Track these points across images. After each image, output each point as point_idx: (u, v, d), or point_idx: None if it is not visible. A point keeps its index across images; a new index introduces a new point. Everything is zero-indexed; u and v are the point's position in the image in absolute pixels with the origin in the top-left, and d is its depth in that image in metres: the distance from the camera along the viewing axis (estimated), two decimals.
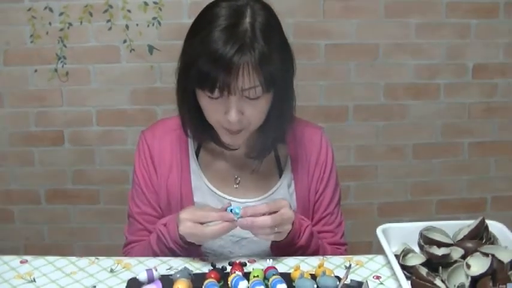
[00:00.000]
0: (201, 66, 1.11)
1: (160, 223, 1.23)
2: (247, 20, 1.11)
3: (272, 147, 1.30)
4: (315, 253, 1.26)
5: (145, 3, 2.18)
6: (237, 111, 1.14)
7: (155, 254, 1.23)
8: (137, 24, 2.20)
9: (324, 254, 1.28)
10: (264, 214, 1.15)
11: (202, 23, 1.15)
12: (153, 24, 2.20)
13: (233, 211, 1.15)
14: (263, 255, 1.25)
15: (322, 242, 1.31)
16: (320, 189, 1.35)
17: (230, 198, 1.30)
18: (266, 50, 1.11)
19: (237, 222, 1.15)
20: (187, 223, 1.15)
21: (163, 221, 1.23)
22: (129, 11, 2.18)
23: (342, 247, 1.37)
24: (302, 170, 1.33)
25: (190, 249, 1.20)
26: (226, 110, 1.15)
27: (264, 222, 1.14)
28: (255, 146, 1.28)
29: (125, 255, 1.33)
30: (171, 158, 1.31)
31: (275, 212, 1.15)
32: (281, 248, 1.23)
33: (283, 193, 1.31)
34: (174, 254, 1.21)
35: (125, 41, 2.21)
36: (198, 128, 1.25)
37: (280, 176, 1.33)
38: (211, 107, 1.17)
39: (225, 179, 1.32)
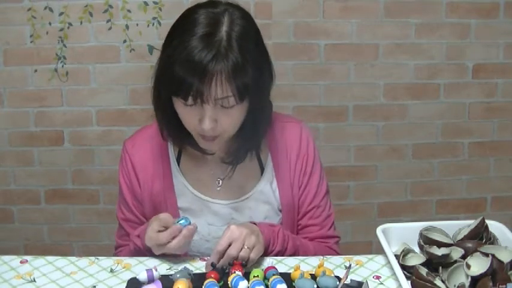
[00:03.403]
0: (176, 73, 1.11)
1: (134, 235, 1.26)
2: (224, 28, 1.11)
3: (246, 154, 1.30)
4: (294, 254, 1.26)
5: (145, 3, 2.18)
6: (210, 120, 1.14)
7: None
8: (137, 24, 2.20)
9: (306, 253, 1.28)
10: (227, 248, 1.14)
11: (179, 30, 1.15)
12: (153, 24, 2.20)
13: (181, 223, 1.16)
14: None
15: (302, 242, 1.30)
16: (303, 183, 1.34)
17: (213, 200, 1.31)
18: (240, 61, 1.10)
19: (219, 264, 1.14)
20: (154, 248, 1.17)
21: (136, 233, 1.26)
22: (129, 11, 2.18)
23: (331, 240, 1.36)
24: (283, 166, 1.33)
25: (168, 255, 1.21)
26: (201, 118, 1.15)
27: (232, 254, 1.12)
28: (231, 151, 1.28)
29: None
30: (153, 165, 1.31)
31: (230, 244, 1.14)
32: (260, 259, 1.22)
33: (266, 191, 1.32)
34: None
35: (124, 41, 2.21)
36: (175, 133, 1.26)
37: (261, 174, 1.33)
38: (186, 114, 1.17)
39: (207, 182, 1.32)
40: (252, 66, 1.12)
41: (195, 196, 1.31)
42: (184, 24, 1.15)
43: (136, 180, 1.32)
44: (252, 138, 1.26)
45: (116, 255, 1.37)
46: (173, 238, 1.15)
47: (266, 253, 1.22)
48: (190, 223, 1.17)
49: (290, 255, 1.25)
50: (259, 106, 1.20)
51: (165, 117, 1.23)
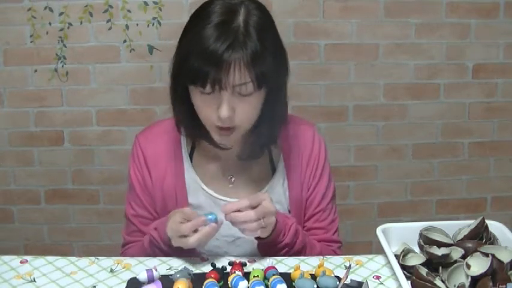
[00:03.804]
0: (193, 61, 1.11)
1: (152, 227, 1.24)
2: (241, 18, 1.12)
3: (263, 149, 1.30)
4: (301, 251, 1.26)
5: (145, 3, 2.18)
6: (228, 107, 1.14)
7: (149, 256, 1.24)
8: (137, 24, 2.20)
9: (312, 251, 1.28)
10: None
11: (196, 20, 1.16)
12: (153, 24, 2.20)
13: (209, 218, 1.15)
14: (258, 255, 1.26)
15: (310, 240, 1.31)
16: (312, 186, 1.35)
17: (225, 198, 1.30)
18: (259, 48, 1.11)
19: (225, 217, 1.15)
20: (174, 238, 1.16)
21: (153, 225, 1.25)
22: (129, 11, 2.18)
23: (335, 244, 1.37)
24: (295, 167, 1.33)
25: (183, 251, 1.20)
26: (218, 106, 1.15)
27: (247, 216, 1.14)
28: (247, 147, 1.28)
29: (122, 256, 1.33)
30: (165, 160, 1.31)
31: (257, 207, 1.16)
32: (266, 247, 1.23)
33: (277, 191, 1.32)
34: (168, 255, 1.22)
35: (124, 41, 2.21)
36: (191, 126, 1.26)
37: (273, 174, 1.33)
38: (204, 103, 1.17)
39: (220, 180, 1.32)
40: (270, 54, 1.13)
41: (206, 193, 1.30)
42: (199, 16, 1.16)
43: (148, 174, 1.31)
44: (268, 134, 1.26)
45: (123, 252, 1.35)
46: (195, 230, 1.14)
47: (275, 243, 1.22)
48: (216, 219, 1.16)
49: (297, 251, 1.25)
50: (275, 98, 1.20)
51: (181, 111, 1.23)
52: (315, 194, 1.35)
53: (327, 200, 1.36)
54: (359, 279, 1.12)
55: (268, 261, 1.15)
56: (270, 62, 1.13)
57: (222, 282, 1.09)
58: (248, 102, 1.16)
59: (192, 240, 1.13)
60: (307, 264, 1.19)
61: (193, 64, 1.11)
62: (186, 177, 1.31)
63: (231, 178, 1.32)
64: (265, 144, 1.29)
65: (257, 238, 1.22)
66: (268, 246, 1.23)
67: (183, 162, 1.32)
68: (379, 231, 1.20)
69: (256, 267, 1.16)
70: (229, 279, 1.07)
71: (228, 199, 1.29)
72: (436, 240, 1.14)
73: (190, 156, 1.32)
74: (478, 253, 1.07)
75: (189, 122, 1.24)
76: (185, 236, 1.14)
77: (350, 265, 1.14)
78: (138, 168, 1.32)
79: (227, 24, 1.11)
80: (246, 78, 1.11)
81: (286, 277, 1.09)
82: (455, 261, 1.09)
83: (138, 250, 1.29)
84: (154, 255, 1.23)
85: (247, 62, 1.10)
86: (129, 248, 1.34)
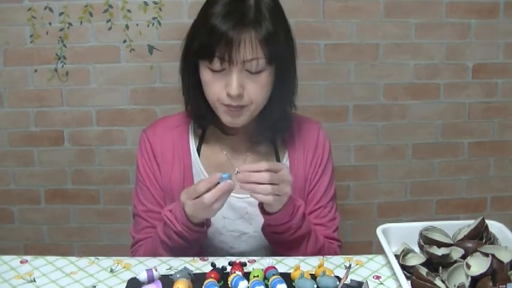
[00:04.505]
0: (202, 37, 1.14)
1: (166, 209, 1.24)
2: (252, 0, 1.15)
3: (274, 129, 1.30)
4: (305, 237, 1.26)
5: (145, 3, 2.18)
6: (238, 84, 1.15)
7: (163, 244, 1.24)
8: (137, 24, 2.20)
9: (317, 241, 1.29)
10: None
11: (209, 2, 1.19)
12: (153, 24, 2.20)
13: (224, 177, 1.15)
14: (262, 250, 1.26)
15: (314, 229, 1.31)
16: (314, 181, 1.36)
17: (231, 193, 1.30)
18: (270, 26, 1.14)
19: (237, 176, 1.15)
20: (188, 202, 1.17)
21: (169, 208, 1.25)
22: (129, 11, 2.18)
23: (335, 242, 1.38)
24: (299, 163, 1.34)
25: (197, 231, 1.20)
26: (228, 84, 1.15)
27: (261, 177, 1.13)
28: (256, 130, 1.28)
29: (133, 255, 1.33)
30: (172, 155, 1.32)
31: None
32: (274, 227, 1.23)
33: None
34: (181, 239, 1.22)
35: (124, 41, 2.21)
36: (201, 110, 1.26)
37: None
38: (213, 81, 1.18)
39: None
40: (281, 33, 1.17)
41: None
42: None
43: (157, 168, 1.32)
44: (279, 114, 1.27)
45: (134, 251, 1.35)
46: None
47: (282, 222, 1.22)
48: (231, 178, 1.16)
49: (302, 236, 1.25)
50: (284, 78, 1.22)
51: (192, 93, 1.24)
52: (316, 189, 1.36)
53: (327, 197, 1.37)
54: (359, 279, 1.12)
55: (268, 261, 1.15)
56: (281, 39, 1.16)
57: (222, 282, 1.09)
58: (258, 80, 1.17)
59: (207, 197, 1.13)
60: (307, 264, 1.19)
61: (202, 39, 1.14)
62: (193, 171, 1.32)
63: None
64: (276, 125, 1.29)
65: (265, 214, 1.22)
66: (276, 227, 1.22)
67: (191, 156, 1.33)
68: (379, 231, 1.20)
69: (256, 267, 1.17)
70: (229, 279, 1.07)
71: (234, 195, 1.30)
72: (436, 240, 1.15)
73: (198, 150, 1.33)
74: (478, 253, 1.07)
75: (198, 105, 1.25)
76: (200, 197, 1.14)
77: (350, 265, 1.14)
78: (147, 163, 1.33)
79: (239, 2, 1.14)
80: (258, 54, 1.13)
81: (286, 277, 1.09)
82: (455, 261, 1.09)
83: (151, 243, 1.28)
84: (168, 240, 1.23)
85: (258, 38, 1.12)
86: (140, 245, 1.34)
